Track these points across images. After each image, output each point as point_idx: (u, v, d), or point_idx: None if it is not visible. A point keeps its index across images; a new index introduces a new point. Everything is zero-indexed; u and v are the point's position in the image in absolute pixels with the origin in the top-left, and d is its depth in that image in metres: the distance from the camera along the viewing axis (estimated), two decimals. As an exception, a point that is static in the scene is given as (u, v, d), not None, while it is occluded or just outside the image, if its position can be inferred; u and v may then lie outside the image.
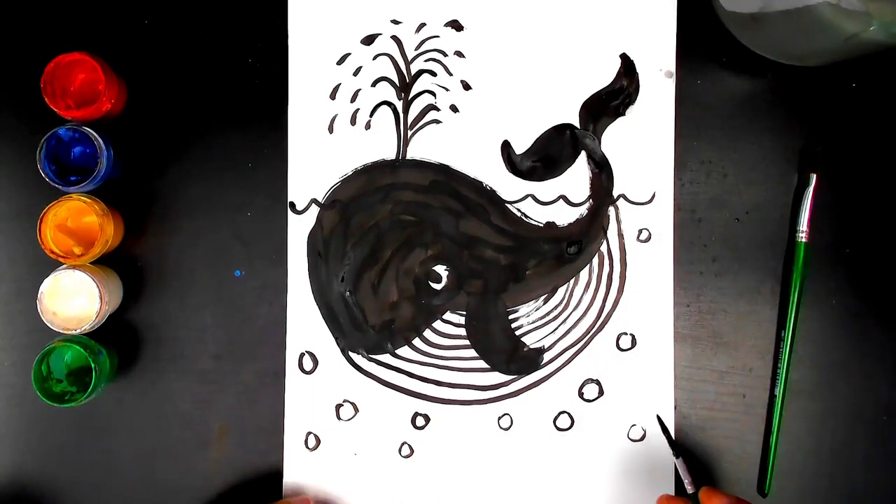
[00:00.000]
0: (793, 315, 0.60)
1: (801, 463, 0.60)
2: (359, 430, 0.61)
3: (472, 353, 0.61)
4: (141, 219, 0.61)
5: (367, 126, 0.61)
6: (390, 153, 0.61)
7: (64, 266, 0.57)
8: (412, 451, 0.61)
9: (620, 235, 0.61)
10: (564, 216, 0.61)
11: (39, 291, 0.57)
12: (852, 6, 0.49)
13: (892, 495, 0.60)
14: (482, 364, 0.61)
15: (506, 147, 0.61)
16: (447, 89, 0.61)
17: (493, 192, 0.61)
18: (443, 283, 0.61)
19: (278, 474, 0.60)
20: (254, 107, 0.61)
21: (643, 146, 0.60)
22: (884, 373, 0.60)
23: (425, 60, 0.61)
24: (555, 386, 0.61)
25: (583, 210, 0.61)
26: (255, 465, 0.60)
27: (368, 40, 0.61)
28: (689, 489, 0.57)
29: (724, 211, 0.61)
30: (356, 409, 0.61)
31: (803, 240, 0.60)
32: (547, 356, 0.61)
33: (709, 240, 0.61)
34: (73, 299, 0.57)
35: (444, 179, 0.61)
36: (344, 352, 0.61)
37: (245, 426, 0.60)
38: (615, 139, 0.61)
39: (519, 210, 0.61)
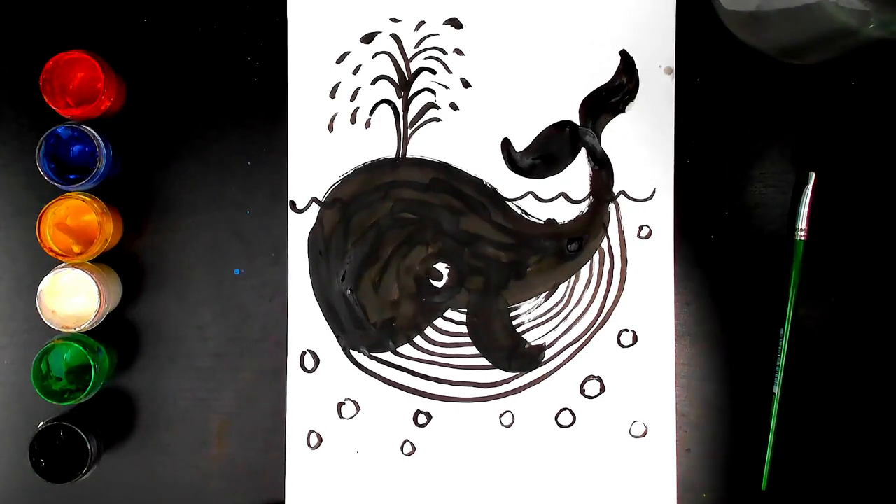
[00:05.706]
0: (791, 313, 0.60)
1: (799, 459, 0.60)
2: (361, 428, 0.61)
3: (473, 350, 0.61)
4: (140, 217, 0.60)
5: (367, 124, 0.61)
6: (390, 151, 0.61)
7: (63, 264, 0.57)
8: (414, 448, 0.61)
9: (621, 232, 0.61)
10: (565, 213, 0.61)
11: (39, 289, 0.57)
12: (851, 4, 0.49)
13: (892, 493, 0.60)
14: (483, 361, 0.61)
15: (506, 144, 0.61)
16: (447, 87, 0.61)
17: (493, 189, 0.61)
18: (444, 281, 0.61)
19: (280, 473, 0.60)
20: (253, 105, 0.61)
21: (643, 143, 0.61)
22: (882, 371, 0.60)
23: (425, 58, 0.61)
24: (556, 383, 0.61)
25: (583, 207, 0.61)
26: (256, 465, 0.60)
27: (368, 38, 0.61)
28: None
29: (724, 208, 0.61)
30: (358, 408, 0.61)
31: (802, 238, 0.60)
32: (548, 353, 0.61)
33: (708, 237, 0.61)
34: (73, 297, 0.57)
35: (445, 177, 0.61)
36: (345, 350, 0.61)
37: (246, 425, 0.60)
38: (615, 136, 0.61)
39: (519, 207, 0.61)
